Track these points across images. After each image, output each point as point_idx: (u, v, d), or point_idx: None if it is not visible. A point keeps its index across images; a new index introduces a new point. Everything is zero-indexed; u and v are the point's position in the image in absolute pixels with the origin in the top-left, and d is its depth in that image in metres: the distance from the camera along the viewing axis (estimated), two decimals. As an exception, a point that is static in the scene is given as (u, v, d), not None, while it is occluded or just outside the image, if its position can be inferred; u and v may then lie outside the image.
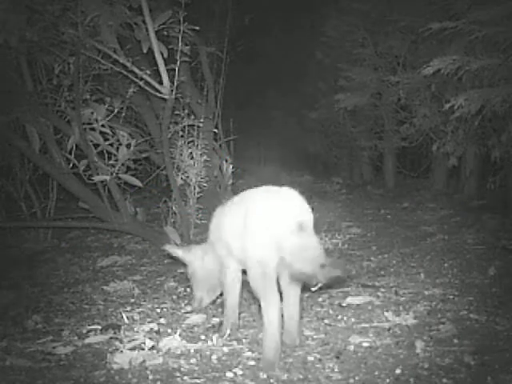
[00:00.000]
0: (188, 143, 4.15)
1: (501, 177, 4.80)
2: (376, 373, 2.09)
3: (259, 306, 2.22)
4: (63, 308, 3.02)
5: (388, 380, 2.03)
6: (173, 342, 2.39)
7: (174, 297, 3.12)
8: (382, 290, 3.05)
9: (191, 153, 4.14)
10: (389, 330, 2.49)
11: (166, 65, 3.43)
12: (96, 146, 3.85)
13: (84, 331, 2.62)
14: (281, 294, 2.28)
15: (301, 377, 2.09)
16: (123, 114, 4.00)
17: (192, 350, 2.35)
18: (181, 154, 4.10)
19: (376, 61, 5.91)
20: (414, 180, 7.19)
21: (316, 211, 2.31)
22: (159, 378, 2.11)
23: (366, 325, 2.56)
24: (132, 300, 3.10)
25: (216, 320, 2.73)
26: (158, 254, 4.05)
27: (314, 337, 2.46)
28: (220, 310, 2.90)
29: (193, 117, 4.19)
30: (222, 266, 2.58)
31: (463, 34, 3.86)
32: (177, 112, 4.08)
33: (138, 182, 3.95)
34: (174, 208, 4.03)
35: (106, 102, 3.83)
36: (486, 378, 2.01)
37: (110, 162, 3.87)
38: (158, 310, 2.90)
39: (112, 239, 4.67)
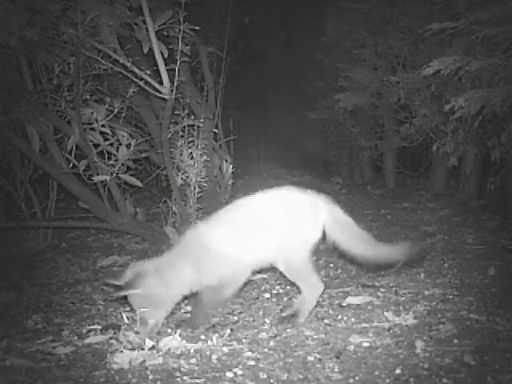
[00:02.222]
0: (188, 143, 4.15)
1: (501, 177, 4.80)
2: (376, 373, 2.09)
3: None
4: (63, 308, 3.02)
5: (388, 380, 2.03)
6: (173, 341, 2.39)
7: (174, 297, 3.11)
8: (382, 290, 3.06)
9: (191, 153, 4.13)
10: (389, 330, 2.49)
11: (166, 65, 3.43)
12: (96, 145, 3.84)
13: (84, 331, 2.62)
14: None
15: (301, 377, 2.09)
16: (123, 114, 4.00)
17: (192, 350, 2.35)
18: (181, 154, 4.10)
19: (376, 61, 5.91)
20: (414, 180, 7.20)
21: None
22: (159, 378, 2.11)
23: (366, 325, 2.56)
24: (132, 300, 3.09)
25: (216, 320, 2.73)
26: (157, 254, 4.04)
27: (314, 337, 2.47)
28: (220, 309, 2.90)
29: (193, 117, 4.19)
30: (237, 269, 2.59)
31: (463, 35, 3.86)
32: (177, 112, 4.08)
33: (137, 183, 3.95)
34: (173, 208, 4.03)
35: (106, 102, 3.82)
36: (485, 378, 2.01)
37: (110, 162, 3.86)
38: (158, 310, 2.90)
39: (112, 239, 4.66)
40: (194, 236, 2.65)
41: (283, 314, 2.72)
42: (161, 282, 2.48)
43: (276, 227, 2.59)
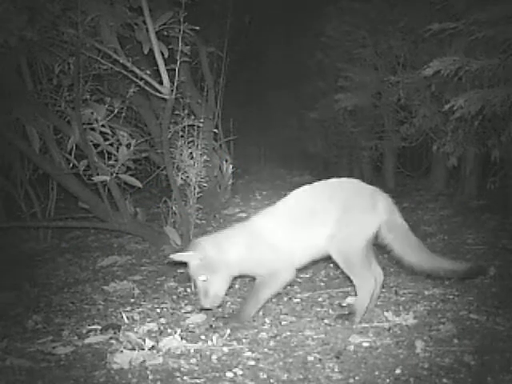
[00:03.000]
0: (188, 143, 4.15)
1: (501, 177, 4.80)
2: (376, 373, 2.09)
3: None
4: (63, 308, 3.02)
5: (388, 380, 2.03)
6: (173, 341, 2.39)
7: (174, 297, 3.11)
8: (382, 289, 3.05)
9: (191, 153, 4.14)
10: (389, 330, 2.49)
11: (166, 65, 3.43)
12: (96, 145, 3.85)
13: (84, 331, 2.62)
14: None
15: (301, 377, 2.09)
16: (123, 114, 4.00)
17: (192, 350, 2.35)
18: (181, 154, 4.10)
19: (376, 61, 5.90)
20: (414, 180, 7.20)
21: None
22: (159, 378, 2.11)
23: (366, 325, 2.56)
24: (132, 300, 3.10)
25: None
26: (158, 254, 4.05)
27: (314, 337, 2.47)
28: (220, 309, 2.90)
29: (193, 117, 4.19)
30: (284, 264, 2.62)
31: (463, 35, 3.86)
32: (177, 112, 4.08)
33: (137, 183, 3.95)
34: (174, 208, 4.03)
35: (106, 102, 3.82)
36: (485, 378, 2.01)
37: (110, 162, 3.87)
38: (158, 310, 2.90)
39: (112, 239, 4.66)
40: (251, 222, 2.72)
41: (338, 313, 2.72)
42: (218, 250, 2.60)
43: (333, 215, 2.58)
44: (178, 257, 2.61)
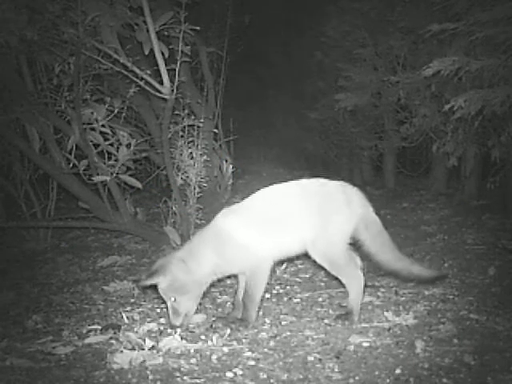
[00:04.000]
0: (188, 143, 4.15)
1: (501, 177, 4.80)
2: (376, 373, 2.09)
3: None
4: (63, 308, 3.02)
5: (388, 380, 2.03)
6: (173, 341, 2.39)
7: (174, 297, 3.11)
8: (382, 289, 3.06)
9: (191, 153, 4.13)
10: (389, 330, 2.49)
11: (166, 65, 3.42)
12: (96, 145, 3.85)
13: (84, 331, 2.62)
14: None
15: (301, 377, 2.09)
16: (123, 114, 4.00)
17: (192, 350, 2.35)
18: (181, 154, 4.10)
19: (376, 61, 5.91)
20: (414, 180, 7.20)
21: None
22: (159, 378, 2.11)
23: (366, 325, 2.56)
24: (132, 300, 3.10)
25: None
26: (157, 254, 4.05)
27: (314, 337, 2.47)
28: (220, 309, 2.90)
29: (193, 117, 4.19)
30: (258, 258, 2.57)
31: (463, 35, 3.86)
32: (177, 112, 4.08)
33: (137, 184, 3.95)
34: (174, 208, 4.03)
35: (106, 102, 3.82)
36: (485, 378, 2.01)
37: (110, 162, 3.86)
38: (158, 310, 2.91)
39: (112, 239, 4.67)
40: (215, 222, 2.67)
41: (338, 313, 2.71)
42: (185, 270, 2.55)
43: (307, 217, 2.56)
44: (147, 282, 2.57)
